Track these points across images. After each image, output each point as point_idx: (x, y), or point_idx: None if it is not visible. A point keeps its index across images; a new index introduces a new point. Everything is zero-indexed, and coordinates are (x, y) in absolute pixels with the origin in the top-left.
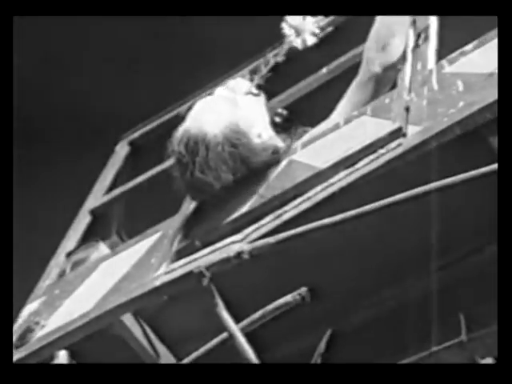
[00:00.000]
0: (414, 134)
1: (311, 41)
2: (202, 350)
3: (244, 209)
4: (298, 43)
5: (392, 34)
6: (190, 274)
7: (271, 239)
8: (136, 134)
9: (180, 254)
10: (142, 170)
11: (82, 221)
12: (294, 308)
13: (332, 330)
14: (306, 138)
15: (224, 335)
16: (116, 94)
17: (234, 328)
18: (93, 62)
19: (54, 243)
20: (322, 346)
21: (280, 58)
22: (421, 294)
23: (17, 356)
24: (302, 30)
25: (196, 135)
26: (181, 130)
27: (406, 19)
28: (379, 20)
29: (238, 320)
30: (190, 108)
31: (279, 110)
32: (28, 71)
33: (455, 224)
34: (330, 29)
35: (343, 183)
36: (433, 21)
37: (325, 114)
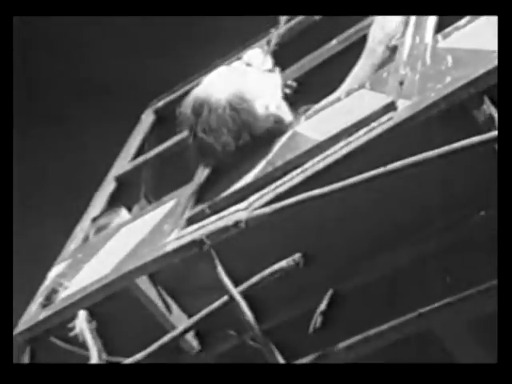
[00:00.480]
0: (404, 108)
1: None
2: (208, 310)
3: (249, 178)
4: None
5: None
6: (193, 242)
7: (267, 209)
8: (161, 103)
9: (190, 221)
10: (167, 138)
11: (108, 187)
12: (290, 273)
13: (333, 291)
14: (311, 109)
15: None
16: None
17: (234, 290)
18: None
19: (80, 208)
20: (324, 305)
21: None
22: (412, 259)
23: (43, 314)
24: None
25: (202, 98)
26: (190, 95)
27: None
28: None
29: (237, 284)
30: None
31: (289, 82)
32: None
33: (445, 193)
34: None
35: (338, 155)
36: None
37: (335, 85)
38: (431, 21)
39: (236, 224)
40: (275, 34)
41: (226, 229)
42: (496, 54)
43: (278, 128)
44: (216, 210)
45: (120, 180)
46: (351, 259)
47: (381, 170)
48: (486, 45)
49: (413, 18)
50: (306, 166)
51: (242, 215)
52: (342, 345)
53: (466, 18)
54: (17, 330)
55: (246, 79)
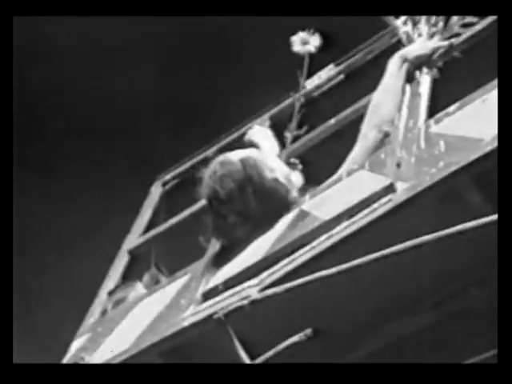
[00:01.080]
0: (402, 190)
1: None
2: None
3: (259, 255)
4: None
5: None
6: (209, 318)
7: (277, 288)
8: (169, 176)
9: (205, 297)
10: (176, 210)
11: (121, 261)
12: (301, 345)
13: None
14: (316, 188)
15: None
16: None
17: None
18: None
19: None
20: None
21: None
22: (416, 329)
23: None
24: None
25: (218, 161)
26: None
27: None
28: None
29: (252, 358)
30: (218, 150)
31: (292, 160)
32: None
33: (443, 268)
34: (341, 77)
35: (342, 235)
36: (426, 79)
37: (333, 164)
38: (424, 104)
39: (249, 301)
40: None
41: (241, 307)
42: (484, 142)
43: (283, 197)
44: (229, 286)
45: (133, 253)
46: (357, 331)
47: (382, 252)
48: (475, 132)
49: (406, 101)
50: (312, 244)
51: (254, 292)
52: None
53: (456, 105)
54: None
55: (260, 152)
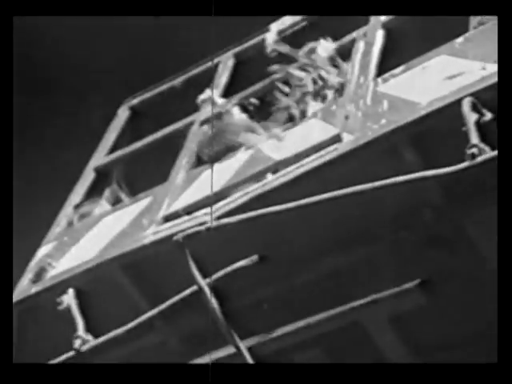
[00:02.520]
0: (347, 141)
1: None
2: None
3: (218, 186)
4: None
5: None
6: (169, 238)
7: (232, 219)
8: (136, 100)
9: (166, 219)
10: (140, 133)
11: (87, 177)
12: (248, 270)
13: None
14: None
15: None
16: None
17: (202, 282)
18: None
19: (60, 197)
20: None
21: None
22: (348, 264)
23: (33, 289)
24: None
25: None
26: None
27: None
28: None
29: (205, 276)
30: (185, 81)
31: (252, 100)
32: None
33: (374, 214)
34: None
35: (291, 176)
36: (378, 36)
37: None
38: (374, 63)
39: (205, 227)
40: None
41: (197, 231)
42: (420, 106)
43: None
44: (187, 212)
45: (98, 171)
46: (297, 261)
47: (324, 195)
48: (413, 96)
49: (358, 58)
50: (263, 181)
51: (209, 220)
52: (286, 329)
53: (402, 67)
54: (13, 299)
55: None
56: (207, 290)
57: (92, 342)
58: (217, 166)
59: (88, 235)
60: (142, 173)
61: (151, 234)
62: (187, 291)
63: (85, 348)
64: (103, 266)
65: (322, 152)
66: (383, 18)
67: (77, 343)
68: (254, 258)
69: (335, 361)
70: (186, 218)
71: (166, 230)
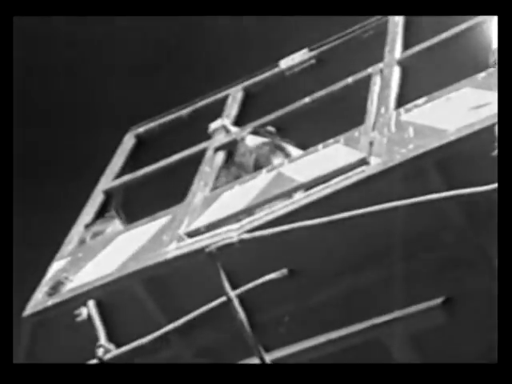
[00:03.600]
0: (376, 164)
1: None
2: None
3: (241, 206)
4: None
5: None
6: (200, 250)
7: (265, 232)
8: (142, 129)
9: (188, 235)
10: (143, 162)
11: (96, 199)
12: (276, 283)
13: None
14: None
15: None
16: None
17: (231, 293)
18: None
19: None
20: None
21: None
22: (373, 281)
23: (50, 302)
24: None
25: None
26: None
27: None
28: None
29: (233, 288)
30: (192, 112)
31: (269, 128)
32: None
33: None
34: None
35: (319, 195)
36: (395, 70)
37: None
38: (393, 95)
39: (238, 239)
40: None
41: (230, 242)
42: (448, 133)
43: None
44: (210, 229)
45: (107, 193)
46: (324, 276)
47: (353, 212)
48: (440, 124)
49: (376, 91)
50: (292, 200)
51: (236, 234)
52: (308, 344)
53: (425, 98)
54: (25, 313)
55: None
56: (236, 302)
57: (114, 351)
58: (238, 187)
59: (105, 251)
60: (145, 198)
61: (174, 249)
62: (213, 303)
63: (107, 357)
64: (124, 279)
65: (349, 174)
66: (398, 56)
67: (100, 352)
68: (284, 271)
69: None
70: (209, 234)
71: (190, 245)
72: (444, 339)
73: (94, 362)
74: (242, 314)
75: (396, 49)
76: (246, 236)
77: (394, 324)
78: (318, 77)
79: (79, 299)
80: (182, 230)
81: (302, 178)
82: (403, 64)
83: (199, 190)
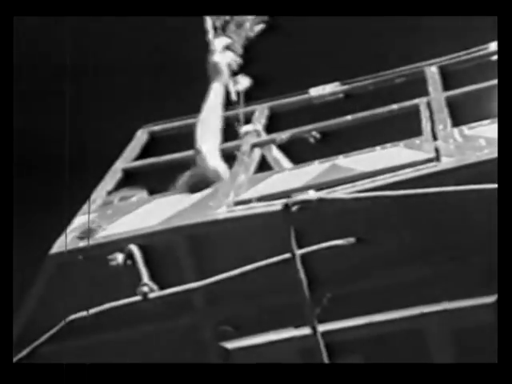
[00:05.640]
0: (448, 161)
1: None
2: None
3: (295, 186)
4: None
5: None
6: (282, 206)
7: (343, 195)
8: (156, 127)
9: (237, 203)
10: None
11: (115, 175)
12: (343, 251)
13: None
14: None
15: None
16: None
17: (297, 251)
18: None
19: None
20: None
21: None
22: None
23: (83, 243)
24: None
25: None
26: None
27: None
28: None
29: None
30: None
31: (314, 133)
32: None
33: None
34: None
35: (388, 181)
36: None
37: None
38: (448, 117)
39: (317, 197)
40: None
41: (307, 199)
42: None
43: None
44: (261, 201)
45: (127, 172)
46: (387, 257)
47: (419, 190)
48: None
49: (427, 116)
50: (364, 182)
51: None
52: (350, 323)
53: (488, 120)
54: (53, 251)
55: None
56: (298, 260)
57: (157, 292)
58: (288, 172)
59: (140, 210)
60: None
61: (225, 211)
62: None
63: (151, 295)
64: (170, 232)
65: (420, 166)
66: (445, 95)
67: (145, 289)
68: (351, 239)
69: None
70: (262, 204)
71: (245, 210)
72: (485, 338)
73: (137, 298)
74: (302, 275)
75: (439, 89)
76: (327, 196)
77: (440, 315)
78: (345, 110)
79: (118, 244)
80: (231, 199)
81: (364, 167)
82: (450, 100)
83: (240, 172)
